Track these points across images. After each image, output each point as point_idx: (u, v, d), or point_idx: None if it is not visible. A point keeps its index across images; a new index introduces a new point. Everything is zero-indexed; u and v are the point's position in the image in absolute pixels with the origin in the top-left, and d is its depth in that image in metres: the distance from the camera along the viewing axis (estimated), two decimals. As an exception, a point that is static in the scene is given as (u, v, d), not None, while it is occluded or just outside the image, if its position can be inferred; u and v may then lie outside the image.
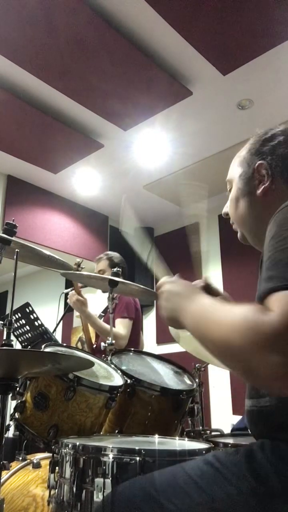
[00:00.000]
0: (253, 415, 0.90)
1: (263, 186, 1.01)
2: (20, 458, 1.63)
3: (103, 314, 2.85)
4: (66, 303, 2.63)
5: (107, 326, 2.51)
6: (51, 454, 1.30)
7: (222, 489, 0.78)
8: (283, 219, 0.81)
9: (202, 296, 0.87)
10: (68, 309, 2.63)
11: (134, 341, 2.68)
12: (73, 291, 2.56)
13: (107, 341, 1.84)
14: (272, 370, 0.64)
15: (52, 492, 1.17)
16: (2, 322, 1.41)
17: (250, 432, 0.96)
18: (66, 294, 2.62)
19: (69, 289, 2.62)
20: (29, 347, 2.45)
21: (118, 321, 2.61)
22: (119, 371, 1.58)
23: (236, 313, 0.71)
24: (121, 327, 2.59)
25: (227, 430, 1.87)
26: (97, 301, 3.07)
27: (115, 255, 2.91)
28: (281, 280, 0.70)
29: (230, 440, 1.44)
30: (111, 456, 0.99)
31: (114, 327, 2.37)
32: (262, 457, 0.79)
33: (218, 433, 1.77)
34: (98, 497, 0.96)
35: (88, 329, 2.73)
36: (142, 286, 2.09)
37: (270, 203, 0.92)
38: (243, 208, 1.06)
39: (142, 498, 0.83)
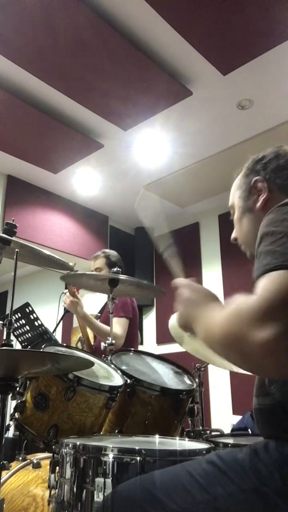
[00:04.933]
0: (260, 414, 0.90)
1: (262, 198, 1.07)
2: (20, 458, 1.63)
3: (99, 315, 2.83)
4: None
5: (104, 327, 2.49)
6: (51, 454, 1.30)
7: (225, 488, 0.78)
8: (272, 220, 0.86)
9: (214, 303, 0.89)
10: (68, 310, 2.63)
11: (131, 341, 2.65)
12: (67, 294, 2.54)
13: (107, 341, 1.83)
14: (260, 349, 0.67)
15: (53, 492, 1.17)
16: (2, 322, 1.41)
17: (250, 432, 0.97)
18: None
19: (66, 290, 2.62)
20: (29, 347, 2.44)
21: (115, 320, 2.59)
22: (119, 371, 1.58)
23: (227, 308, 0.76)
24: (118, 326, 2.57)
25: (227, 430, 1.88)
26: (94, 301, 3.07)
27: (112, 253, 2.89)
28: (272, 263, 0.75)
29: (230, 440, 1.45)
30: (111, 456, 0.99)
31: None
32: (266, 456, 0.79)
33: (218, 433, 1.77)
34: (98, 497, 0.96)
35: (86, 329, 2.72)
36: (142, 281, 2.08)
37: None
38: (247, 224, 1.11)
39: (143, 497, 0.84)
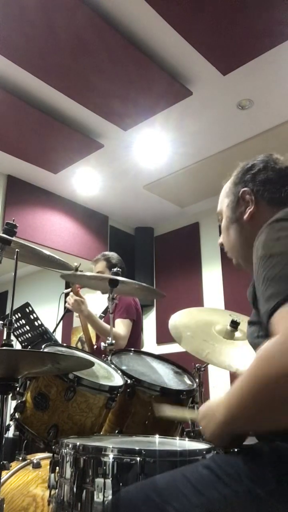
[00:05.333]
0: None
1: (249, 211, 1.07)
2: (20, 458, 1.63)
3: (103, 315, 2.83)
4: (65, 306, 2.62)
5: (107, 326, 2.49)
6: (51, 454, 1.31)
7: (219, 491, 0.79)
8: (267, 239, 0.85)
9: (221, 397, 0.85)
10: (68, 309, 2.63)
11: (134, 343, 2.65)
12: (71, 293, 2.54)
13: (107, 341, 1.83)
14: None
15: (53, 492, 1.17)
16: (2, 322, 1.41)
17: (250, 432, 0.97)
18: (66, 294, 2.61)
19: (68, 289, 2.61)
20: (29, 347, 2.44)
21: (118, 321, 2.59)
22: (119, 371, 1.58)
23: (251, 365, 0.72)
24: (121, 327, 2.57)
25: (227, 430, 1.87)
26: (97, 301, 3.06)
27: (112, 255, 2.88)
28: (278, 296, 0.73)
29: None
30: (111, 456, 0.99)
31: (114, 327, 2.36)
32: (260, 458, 0.80)
33: (218, 433, 1.77)
34: (98, 497, 0.96)
35: (87, 329, 2.71)
36: (143, 284, 2.08)
37: (258, 226, 0.93)
38: (233, 235, 1.12)
39: (143, 502, 0.84)
